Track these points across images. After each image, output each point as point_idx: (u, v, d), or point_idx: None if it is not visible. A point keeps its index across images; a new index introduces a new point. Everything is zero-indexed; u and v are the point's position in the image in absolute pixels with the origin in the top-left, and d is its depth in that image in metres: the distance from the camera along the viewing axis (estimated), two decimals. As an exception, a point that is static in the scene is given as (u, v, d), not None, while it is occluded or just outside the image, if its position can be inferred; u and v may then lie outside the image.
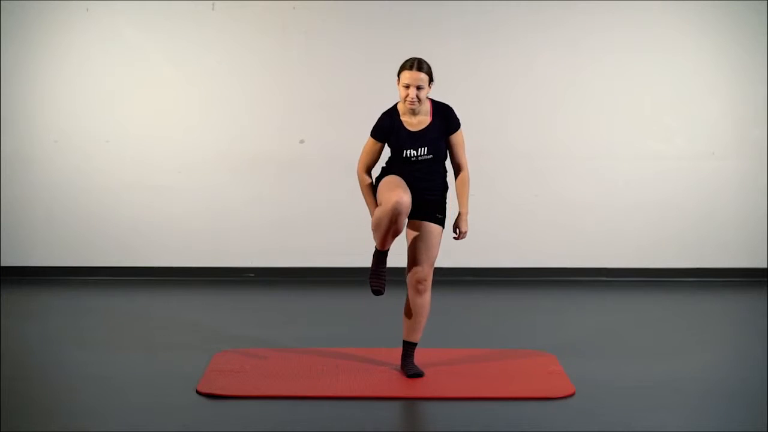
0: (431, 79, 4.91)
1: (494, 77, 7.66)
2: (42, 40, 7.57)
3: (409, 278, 5.00)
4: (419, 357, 5.13)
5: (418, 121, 4.94)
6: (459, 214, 5.04)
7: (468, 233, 5.06)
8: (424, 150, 4.92)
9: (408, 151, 4.92)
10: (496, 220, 7.72)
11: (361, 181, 5.02)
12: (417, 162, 4.93)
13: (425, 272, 4.98)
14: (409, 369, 5.01)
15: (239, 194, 7.70)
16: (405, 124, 4.93)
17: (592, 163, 7.73)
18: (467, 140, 7.45)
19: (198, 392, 4.75)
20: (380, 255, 4.96)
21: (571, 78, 7.67)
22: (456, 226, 5.05)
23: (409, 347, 5.06)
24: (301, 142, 7.67)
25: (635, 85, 7.68)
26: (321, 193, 7.67)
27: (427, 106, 4.95)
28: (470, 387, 4.85)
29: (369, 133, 5.00)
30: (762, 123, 7.71)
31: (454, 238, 5.06)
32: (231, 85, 7.65)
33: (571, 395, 4.74)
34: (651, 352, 5.62)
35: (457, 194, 5.04)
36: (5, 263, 7.71)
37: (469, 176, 5.05)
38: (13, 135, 7.64)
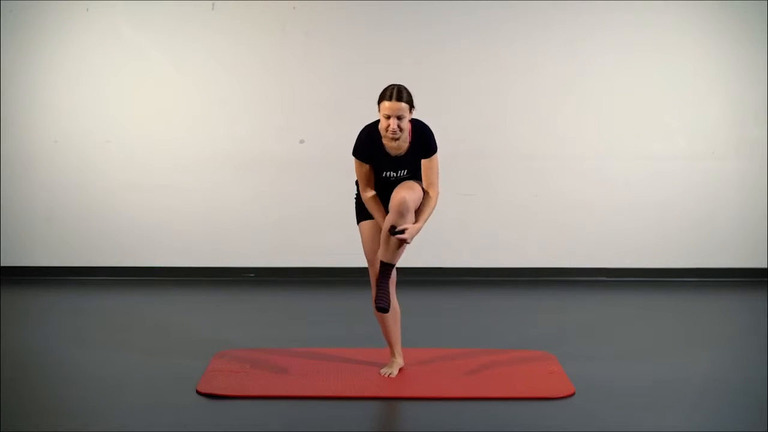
0: (412, 107, 4.83)
1: (494, 77, 7.66)
2: (42, 40, 7.57)
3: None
4: (419, 356, 5.13)
5: (398, 145, 4.89)
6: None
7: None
8: (403, 172, 4.92)
9: (388, 173, 4.92)
10: (496, 220, 7.72)
11: (365, 201, 4.97)
12: (396, 180, 4.93)
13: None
14: (380, 296, 4.87)
15: (239, 194, 7.70)
16: (386, 148, 4.89)
17: (592, 163, 7.73)
18: (468, 140, 7.53)
19: (198, 392, 4.75)
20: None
21: (571, 78, 7.67)
22: (407, 226, 4.78)
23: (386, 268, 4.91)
24: (301, 142, 7.67)
25: (635, 85, 7.68)
26: (321, 193, 7.67)
27: (406, 130, 4.88)
28: (470, 387, 4.85)
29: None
30: (762, 123, 7.71)
31: (392, 231, 4.76)
32: (231, 85, 7.65)
33: (571, 395, 4.74)
34: (651, 351, 5.61)
35: (418, 209, 4.87)
36: (5, 263, 7.71)
37: (435, 198, 4.90)
38: (13, 135, 7.64)
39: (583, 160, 7.73)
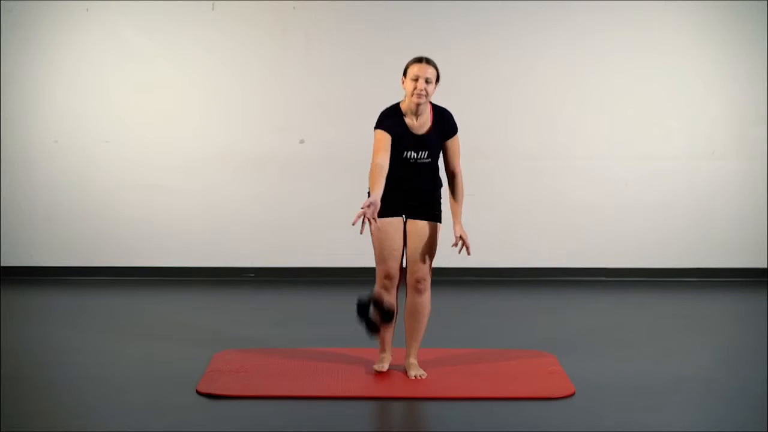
0: (438, 78, 4.90)
1: (494, 77, 7.66)
2: (42, 40, 7.57)
3: (408, 278, 4.99)
4: (419, 356, 5.12)
5: (419, 125, 4.90)
6: (455, 223, 4.94)
7: (468, 236, 4.99)
8: (424, 154, 4.90)
9: (409, 153, 4.90)
10: (496, 220, 7.72)
11: (373, 171, 4.74)
12: (415, 164, 4.91)
13: (424, 271, 4.97)
14: (413, 371, 5.00)
15: (239, 194, 7.70)
16: (408, 126, 4.89)
17: (592, 163, 7.74)
18: (468, 140, 7.47)
19: (198, 392, 4.74)
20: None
21: (571, 78, 7.67)
22: (457, 234, 4.91)
23: (412, 348, 5.05)
24: (301, 142, 7.68)
25: (635, 85, 7.69)
26: (321, 193, 7.67)
27: (427, 110, 4.92)
28: (470, 387, 4.84)
29: (372, 131, 4.90)
30: (762, 123, 7.71)
31: (460, 247, 4.91)
32: (231, 85, 7.66)
33: (571, 395, 4.74)
34: (651, 352, 5.61)
35: (452, 202, 4.96)
36: (5, 263, 7.71)
37: (463, 183, 4.99)
38: (14, 135, 7.64)
39: (583, 160, 7.73)
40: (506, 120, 7.71)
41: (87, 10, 7.57)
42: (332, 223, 7.63)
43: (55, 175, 7.67)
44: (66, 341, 5.80)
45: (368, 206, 4.58)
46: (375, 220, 4.60)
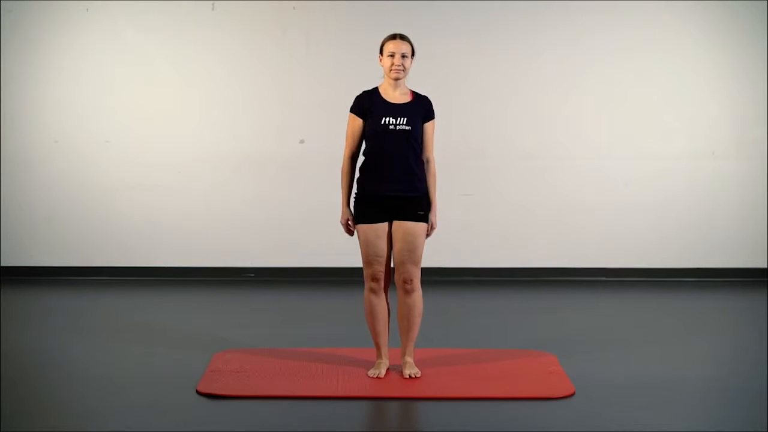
0: (413, 53, 4.95)
1: (494, 77, 7.67)
2: (42, 40, 7.58)
3: (397, 279, 5.00)
4: (419, 356, 5.13)
5: (397, 98, 4.96)
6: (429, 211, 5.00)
7: (438, 226, 5.03)
8: (402, 120, 4.91)
9: (386, 119, 4.90)
10: (496, 220, 7.72)
11: (343, 171, 4.99)
12: (395, 131, 4.90)
13: (411, 272, 4.96)
14: (407, 369, 5.01)
15: (239, 194, 7.70)
16: (385, 99, 4.95)
17: (592, 163, 7.74)
18: (468, 140, 7.54)
19: (198, 392, 4.75)
20: None
21: (572, 78, 7.67)
22: (428, 222, 5.00)
23: (406, 348, 5.05)
24: (301, 142, 7.68)
25: (635, 85, 7.69)
26: (321, 193, 7.66)
27: (407, 89, 4.98)
28: (470, 387, 4.84)
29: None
30: (762, 123, 7.71)
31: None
32: (231, 85, 7.66)
33: (571, 395, 4.74)
34: (651, 352, 5.61)
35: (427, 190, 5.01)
36: (5, 263, 7.71)
37: (436, 170, 5.02)
38: (14, 135, 7.64)
39: (583, 160, 7.73)
40: (506, 120, 7.71)
41: (87, 10, 7.57)
42: (332, 223, 7.57)
43: (55, 175, 7.68)
44: (66, 341, 5.80)
45: (345, 221, 5.03)
46: (351, 226, 5.01)
